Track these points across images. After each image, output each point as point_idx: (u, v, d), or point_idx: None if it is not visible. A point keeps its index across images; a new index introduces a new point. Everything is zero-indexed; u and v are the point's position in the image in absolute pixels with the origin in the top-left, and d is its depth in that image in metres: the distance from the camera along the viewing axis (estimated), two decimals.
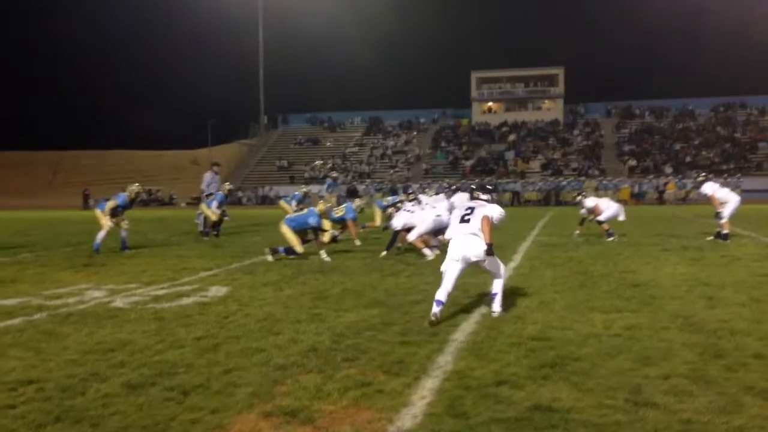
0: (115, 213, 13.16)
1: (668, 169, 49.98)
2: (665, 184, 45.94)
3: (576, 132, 60.08)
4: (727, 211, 13.63)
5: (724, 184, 16.45)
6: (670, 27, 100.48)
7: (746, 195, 41.19)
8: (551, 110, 64.50)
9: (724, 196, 13.89)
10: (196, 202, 52.43)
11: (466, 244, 6.48)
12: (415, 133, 63.96)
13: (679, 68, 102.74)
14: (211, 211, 16.38)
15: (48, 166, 77.41)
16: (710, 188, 14.08)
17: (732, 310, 6.50)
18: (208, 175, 18.23)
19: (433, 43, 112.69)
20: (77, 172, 73.74)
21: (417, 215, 11.83)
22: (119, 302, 7.53)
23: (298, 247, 11.35)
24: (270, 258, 11.21)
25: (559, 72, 64.36)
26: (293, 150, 63.72)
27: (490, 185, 11.88)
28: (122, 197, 13.45)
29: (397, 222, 12.00)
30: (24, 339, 5.75)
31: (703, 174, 15.76)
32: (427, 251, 11.24)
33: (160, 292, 8.18)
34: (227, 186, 17.49)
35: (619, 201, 21.60)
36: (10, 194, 60.86)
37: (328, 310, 6.84)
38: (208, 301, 7.47)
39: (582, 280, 8.57)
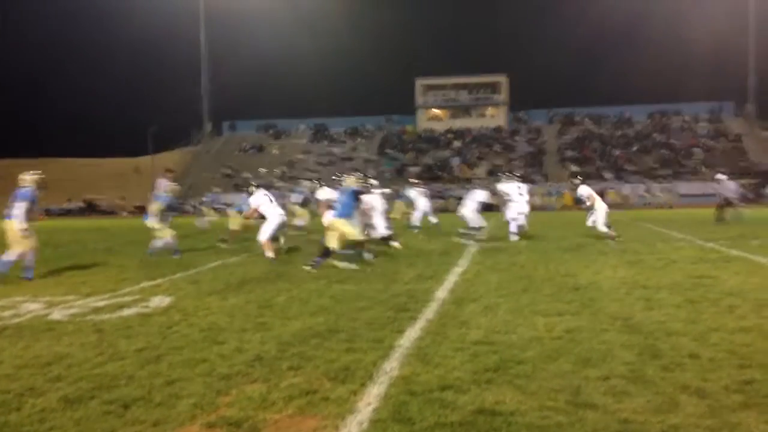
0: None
1: (608, 175, 51.29)
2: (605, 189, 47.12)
3: (519, 138, 61.15)
4: (601, 218, 14.96)
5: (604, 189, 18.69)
6: (608, 37, 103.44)
7: (682, 199, 42.90)
8: (495, 117, 65.45)
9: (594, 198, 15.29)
10: (138, 211, 51.40)
11: None
12: (360, 139, 64.08)
13: (617, 76, 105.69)
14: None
15: None
16: (586, 191, 15.39)
17: (668, 312, 6.70)
18: (163, 182, 17.82)
19: (378, 49, 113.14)
20: (13, 181, 71.33)
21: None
22: (57, 314, 7.31)
23: (358, 236, 11.11)
24: (342, 264, 10.86)
25: (503, 80, 65.40)
26: (238, 157, 63.03)
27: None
28: (164, 198, 13.79)
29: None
30: None
31: (579, 177, 17.06)
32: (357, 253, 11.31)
33: (100, 304, 7.98)
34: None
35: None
36: None
37: (274, 319, 6.79)
38: (150, 312, 7.32)
39: (525, 285, 8.71)
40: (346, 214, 11.08)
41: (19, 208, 10.41)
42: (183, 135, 68.12)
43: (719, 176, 23.22)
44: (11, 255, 10.30)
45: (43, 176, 11.15)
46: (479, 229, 17.20)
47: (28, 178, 10.83)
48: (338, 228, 10.93)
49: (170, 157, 64.17)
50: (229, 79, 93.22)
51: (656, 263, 10.75)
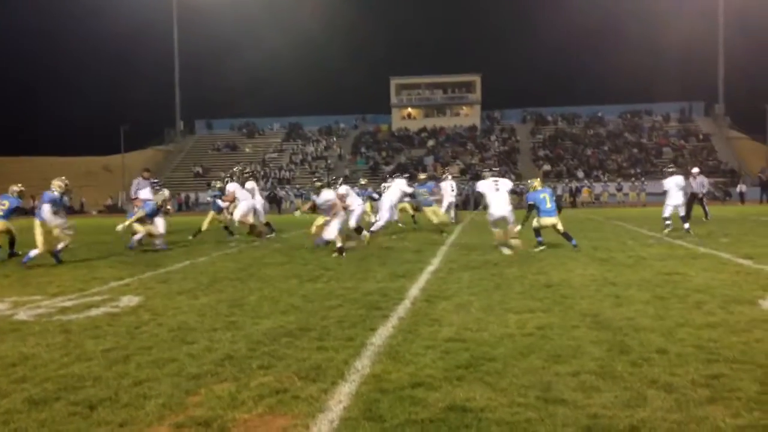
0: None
1: (580, 174, 51.81)
2: (578, 188, 47.65)
3: (493, 137, 61.54)
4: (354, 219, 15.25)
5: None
6: (581, 37, 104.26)
7: (651, 198, 43.47)
8: (469, 116, 65.84)
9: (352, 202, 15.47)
10: (108, 210, 50.76)
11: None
12: (334, 138, 63.98)
13: (590, 76, 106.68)
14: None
15: None
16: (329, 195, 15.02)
17: (637, 308, 6.77)
18: (136, 181, 17.76)
19: (352, 49, 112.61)
20: None
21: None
22: (22, 315, 7.17)
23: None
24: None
25: (476, 79, 65.80)
26: (211, 156, 62.61)
27: None
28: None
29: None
30: None
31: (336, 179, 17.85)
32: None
33: (68, 304, 7.85)
34: (163, 195, 15.28)
35: None
36: None
37: (245, 318, 6.73)
38: (119, 312, 7.22)
39: (497, 282, 8.75)
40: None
41: (46, 210, 11.89)
42: (156, 134, 67.44)
43: (694, 170, 23.33)
44: (37, 251, 11.69)
45: (67, 182, 12.65)
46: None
47: (56, 183, 12.28)
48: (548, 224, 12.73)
49: (142, 156, 63.46)
50: (205, 79, 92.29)
51: (626, 260, 10.86)
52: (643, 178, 48.13)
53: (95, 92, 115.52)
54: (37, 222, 11.96)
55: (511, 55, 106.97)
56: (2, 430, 3.73)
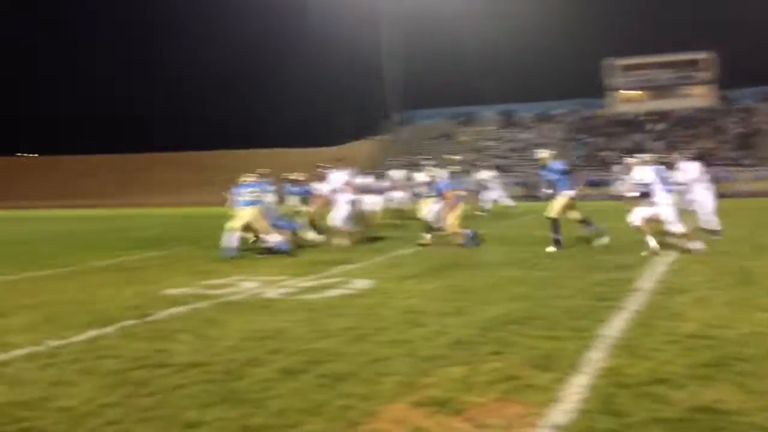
0: None
1: None
2: None
3: (729, 119, 56.25)
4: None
5: None
6: None
7: None
8: (700, 97, 60.73)
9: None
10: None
11: None
12: (550, 125, 62.42)
13: None
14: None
15: (196, 166, 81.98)
16: None
17: None
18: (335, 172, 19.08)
19: (566, 30, 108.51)
20: (223, 170, 77.62)
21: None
22: (271, 293, 7.91)
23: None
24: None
25: (708, 56, 60.43)
26: (427, 145, 64.03)
27: None
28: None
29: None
30: (190, 325, 6.20)
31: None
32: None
33: (308, 284, 8.52)
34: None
35: None
36: (161, 192, 65.11)
37: (472, 304, 6.84)
38: (354, 293, 7.68)
39: (740, 277, 8.00)
40: None
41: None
42: (373, 125, 70.48)
43: None
44: (275, 237, 11.87)
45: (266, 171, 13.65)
46: None
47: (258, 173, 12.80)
48: None
49: (362, 147, 66.66)
50: (420, 69, 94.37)
51: None
52: None
53: (318, 88, 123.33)
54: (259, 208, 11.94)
55: (749, 29, 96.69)
56: (263, 396, 4.14)
